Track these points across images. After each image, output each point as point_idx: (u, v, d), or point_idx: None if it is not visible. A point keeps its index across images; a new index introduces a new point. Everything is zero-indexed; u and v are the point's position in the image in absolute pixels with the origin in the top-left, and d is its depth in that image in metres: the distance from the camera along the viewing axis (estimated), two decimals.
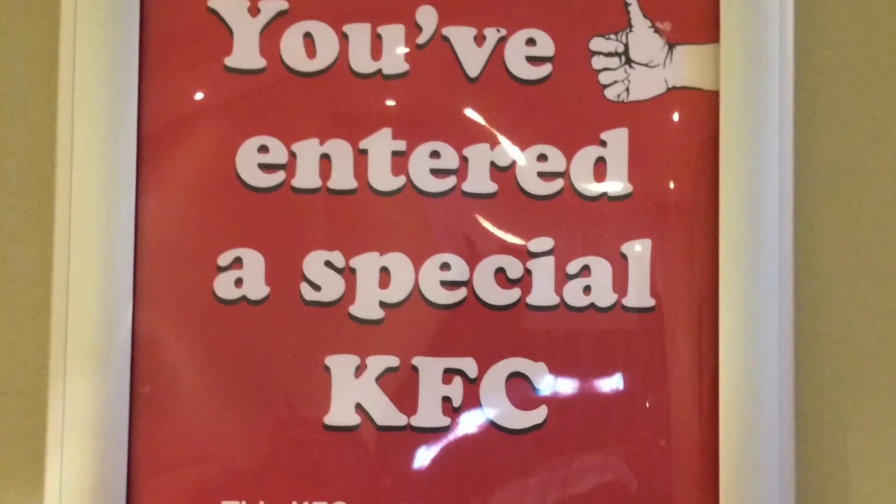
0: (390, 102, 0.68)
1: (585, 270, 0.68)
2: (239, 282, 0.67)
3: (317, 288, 0.67)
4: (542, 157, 0.68)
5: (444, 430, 0.67)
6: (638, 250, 0.68)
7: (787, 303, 0.67)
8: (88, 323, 0.66)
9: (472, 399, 0.68)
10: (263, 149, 0.68)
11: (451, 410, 0.67)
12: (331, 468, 0.67)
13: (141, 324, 0.67)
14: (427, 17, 0.68)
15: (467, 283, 0.68)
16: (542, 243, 0.68)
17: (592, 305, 0.68)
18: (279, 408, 0.67)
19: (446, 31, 0.68)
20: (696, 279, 0.68)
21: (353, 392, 0.67)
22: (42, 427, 0.66)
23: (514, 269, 0.68)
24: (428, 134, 0.68)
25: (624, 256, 0.68)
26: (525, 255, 0.68)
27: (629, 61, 0.68)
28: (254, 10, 0.68)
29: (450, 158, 0.68)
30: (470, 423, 0.68)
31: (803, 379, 0.70)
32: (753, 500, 0.66)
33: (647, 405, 0.68)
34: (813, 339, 0.70)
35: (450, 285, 0.68)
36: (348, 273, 0.68)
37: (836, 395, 0.70)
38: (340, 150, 0.68)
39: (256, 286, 0.67)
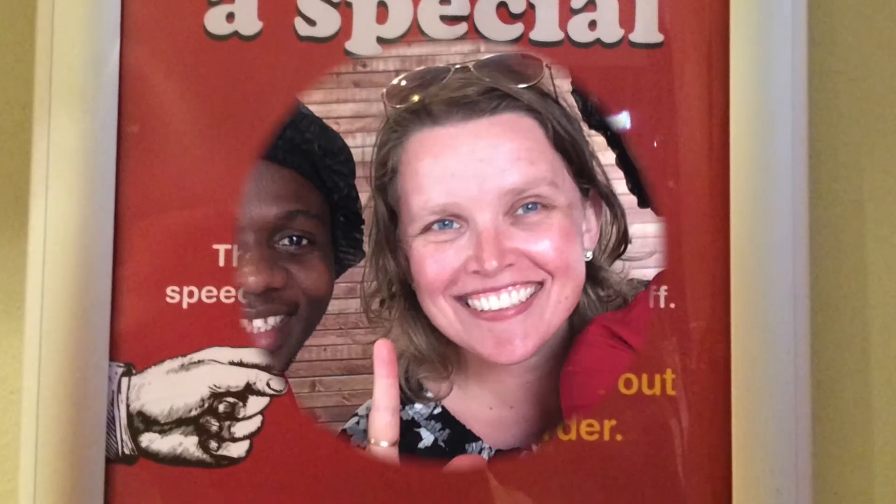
0: None
1: (591, 5, 0.65)
2: (230, 16, 0.65)
3: (311, 23, 0.65)
4: None
5: None
6: None
7: (801, 37, 0.64)
8: (74, 60, 0.63)
9: None
10: None
11: None
12: None
13: (128, 60, 0.64)
14: None
15: (468, 18, 0.65)
16: None
17: (598, 41, 0.65)
18: None
19: None
20: (706, 13, 0.65)
21: None
22: (26, 167, 0.63)
23: (517, 2, 0.65)
24: None
25: None
26: None
27: None
28: None
29: None
30: None
31: (817, 117, 0.67)
32: (767, 240, 0.63)
33: (655, 144, 0.65)
34: (827, 75, 0.67)
35: (450, 20, 0.65)
36: (344, 7, 0.65)
37: (851, 134, 0.67)
38: None
39: (249, 21, 0.65)
